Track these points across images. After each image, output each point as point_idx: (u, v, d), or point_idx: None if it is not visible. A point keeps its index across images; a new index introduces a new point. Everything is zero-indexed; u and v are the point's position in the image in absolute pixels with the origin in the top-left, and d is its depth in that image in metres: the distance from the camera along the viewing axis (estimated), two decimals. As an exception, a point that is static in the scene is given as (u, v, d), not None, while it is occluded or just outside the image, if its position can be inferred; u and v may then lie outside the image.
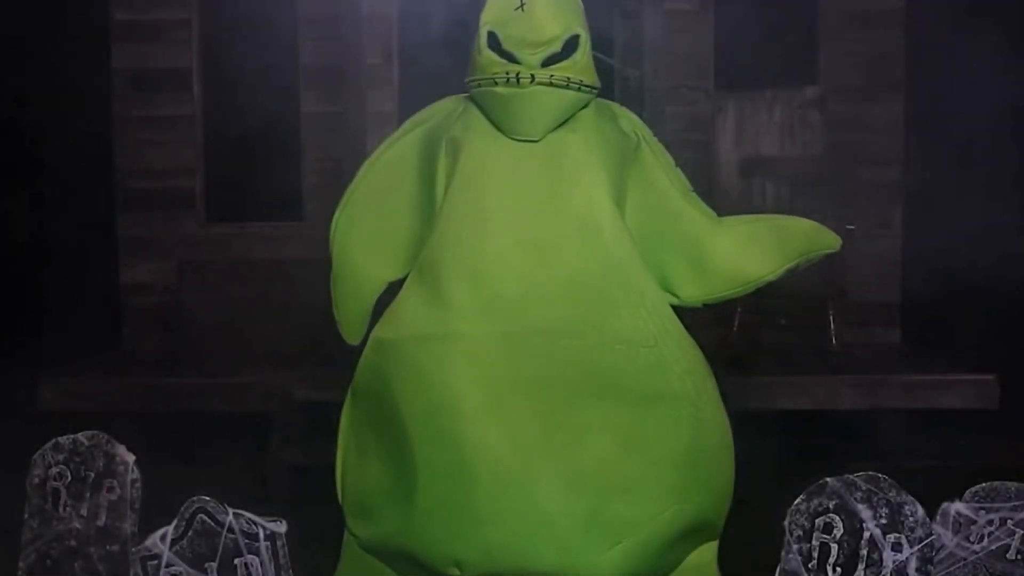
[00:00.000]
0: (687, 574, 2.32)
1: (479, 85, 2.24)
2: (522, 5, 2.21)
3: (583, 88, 2.22)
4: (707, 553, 2.35)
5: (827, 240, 2.39)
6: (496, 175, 2.23)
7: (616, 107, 2.44)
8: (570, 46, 2.19)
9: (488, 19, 2.22)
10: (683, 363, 2.26)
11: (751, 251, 2.35)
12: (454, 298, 2.18)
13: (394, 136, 2.47)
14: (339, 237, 2.47)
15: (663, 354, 2.21)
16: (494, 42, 2.19)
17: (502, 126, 2.25)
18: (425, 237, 2.32)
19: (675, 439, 2.21)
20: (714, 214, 2.41)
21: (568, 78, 2.18)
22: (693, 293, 2.38)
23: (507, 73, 2.17)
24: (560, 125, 2.25)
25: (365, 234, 2.45)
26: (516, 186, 2.22)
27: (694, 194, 2.41)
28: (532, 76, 2.16)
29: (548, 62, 2.17)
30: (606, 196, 2.24)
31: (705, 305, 2.40)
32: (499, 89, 2.19)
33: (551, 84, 2.17)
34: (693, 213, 2.38)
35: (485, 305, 2.16)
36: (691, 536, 2.29)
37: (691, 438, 2.23)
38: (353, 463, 2.40)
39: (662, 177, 2.38)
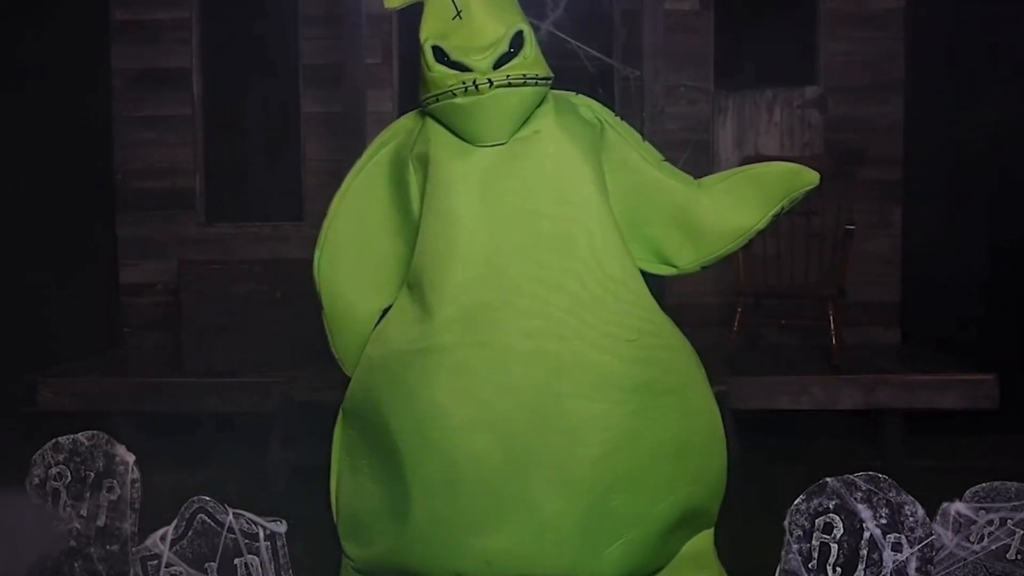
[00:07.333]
0: (685, 563, 2.33)
1: (436, 100, 2.21)
2: (459, 13, 2.19)
3: (539, 82, 2.22)
4: (703, 541, 2.37)
5: (806, 178, 2.38)
6: (466, 185, 2.21)
7: (572, 96, 2.42)
8: (516, 43, 2.17)
9: (428, 34, 2.19)
10: (667, 354, 2.27)
11: (735, 205, 2.37)
12: (436, 311, 2.17)
13: (358, 164, 2.43)
14: (324, 276, 2.42)
15: (646, 346, 2.21)
16: (441, 55, 2.17)
17: (466, 135, 2.23)
18: (409, 257, 2.30)
19: (664, 431, 2.21)
20: (691, 178, 2.42)
21: (524, 75, 2.17)
22: (689, 258, 2.40)
23: (463, 83, 2.15)
24: (522, 126, 2.24)
25: (350, 268, 2.42)
26: (487, 194, 2.21)
27: (667, 163, 2.42)
28: (489, 80, 2.14)
29: (499, 63, 2.16)
30: (583, 187, 2.23)
31: (704, 268, 2.42)
32: (459, 100, 2.17)
33: (509, 85, 2.16)
34: (671, 182, 2.39)
35: (466, 315, 2.15)
36: (686, 526, 2.31)
37: (680, 429, 2.24)
38: (346, 484, 2.40)
39: (633, 155, 2.38)
